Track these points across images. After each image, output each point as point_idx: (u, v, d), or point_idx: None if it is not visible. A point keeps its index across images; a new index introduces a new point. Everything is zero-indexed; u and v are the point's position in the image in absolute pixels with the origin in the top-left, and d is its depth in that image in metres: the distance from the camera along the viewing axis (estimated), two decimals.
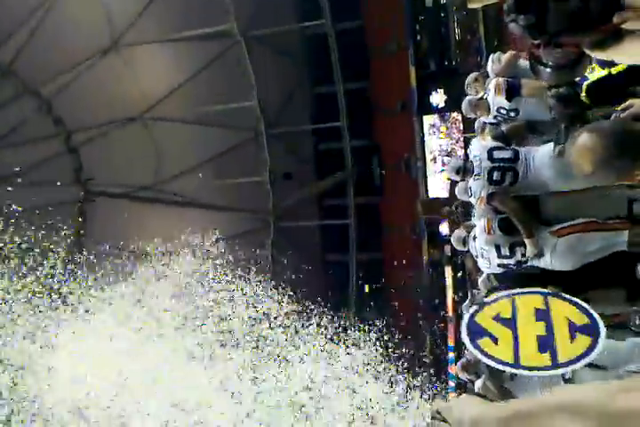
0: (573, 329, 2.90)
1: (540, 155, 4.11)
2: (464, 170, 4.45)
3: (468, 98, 5.32)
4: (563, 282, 3.80)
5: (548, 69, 3.68)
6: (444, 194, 14.19)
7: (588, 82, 4.36)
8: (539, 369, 2.75)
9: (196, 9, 13.71)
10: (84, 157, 13.22)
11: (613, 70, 4.20)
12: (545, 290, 3.55)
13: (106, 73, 13.23)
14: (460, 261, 13.05)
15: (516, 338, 2.88)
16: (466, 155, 4.65)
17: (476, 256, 4.24)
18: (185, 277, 10.37)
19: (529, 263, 3.95)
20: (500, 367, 2.86)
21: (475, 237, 4.11)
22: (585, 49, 1.36)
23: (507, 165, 4.18)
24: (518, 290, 3.58)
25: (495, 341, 3.21)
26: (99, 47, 13.40)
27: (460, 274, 13.86)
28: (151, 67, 14.03)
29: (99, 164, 12.88)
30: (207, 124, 14.33)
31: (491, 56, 5.12)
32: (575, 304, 3.17)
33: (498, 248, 3.93)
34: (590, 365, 3.63)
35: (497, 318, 3.38)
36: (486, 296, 4.48)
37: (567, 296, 3.24)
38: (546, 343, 2.82)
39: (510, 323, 2.98)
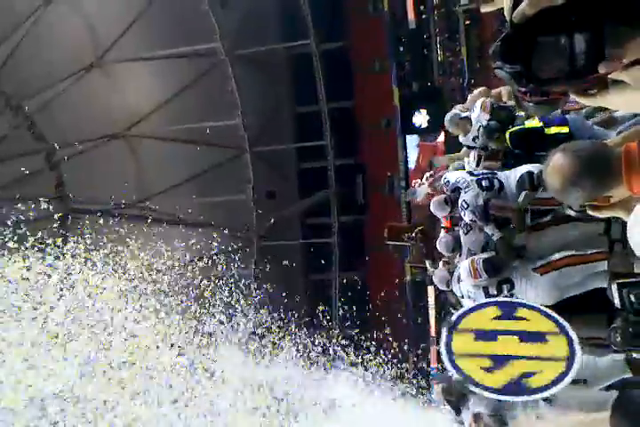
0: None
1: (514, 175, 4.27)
2: (451, 201, 4.49)
3: (451, 113, 5.37)
4: None
5: (532, 104, 3.79)
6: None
7: (516, 129, 4.51)
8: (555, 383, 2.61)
9: (182, 27, 13.81)
10: (66, 174, 13.11)
11: (552, 130, 4.36)
12: (495, 299, 3.52)
13: (89, 89, 13.21)
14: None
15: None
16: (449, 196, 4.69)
17: (461, 297, 4.25)
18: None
19: (513, 298, 3.99)
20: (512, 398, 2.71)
21: (460, 279, 4.12)
22: (572, 95, 1.39)
23: (490, 175, 4.31)
24: (469, 306, 3.51)
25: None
26: (82, 64, 13.39)
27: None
28: (135, 84, 14.03)
29: (81, 180, 12.76)
30: (191, 142, 14.32)
31: (477, 104, 5.13)
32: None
33: (486, 289, 3.97)
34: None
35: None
36: None
37: (516, 301, 3.18)
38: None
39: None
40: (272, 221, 14.99)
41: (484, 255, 4.08)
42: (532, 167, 4.12)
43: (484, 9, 1.69)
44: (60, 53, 12.75)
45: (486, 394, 3.22)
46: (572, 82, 1.30)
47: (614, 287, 2.58)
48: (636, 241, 1.50)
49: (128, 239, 11.21)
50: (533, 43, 1.24)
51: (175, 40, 13.89)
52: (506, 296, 3.96)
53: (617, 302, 2.59)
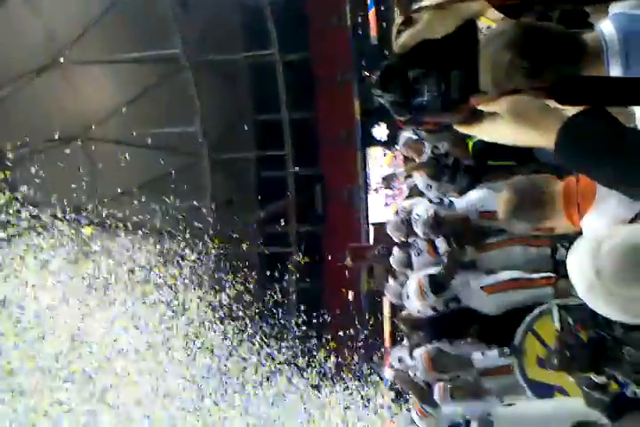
0: None
1: None
2: (407, 222, 4.58)
3: (404, 137, 5.46)
4: (488, 325, 3.96)
5: (424, 133, 3.97)
6: (385, 219, 14.39)
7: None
8: None
9: (143, 31, 13.65)
10: (16, 177, 12.71)
11: None
12: (546, 305, 3.54)
13: (44, 90, 12.90)
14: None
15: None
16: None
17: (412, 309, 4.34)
18: None
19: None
20: None
21: (408, 297, 4.20)
22: (454, 126, 1.48)
23: (441, 196, 4.56)
24: (528, 318, 3.55)
25: (565, 392, 3.16)
26: (37, 64, 13.07)
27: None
28: (93, 87, 13.77)
29: (31, 184, 12.40)
30: (148, 148, 14.11)
31: None
32: None
33: (434, 309, 4.09)
34: None
35: (542, 364, 3.29)
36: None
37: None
38: None
39: None
40: (230, 229, 14.87)
41: (431, 270, 4.16)
42: (475, 197, 4.25)
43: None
44: (14, 53, 12.42)
45: (520, 379, 3.31)
46: (445, 113, 1.35)
47: (554, 310, 2.64)
48: (572, 277, 1.56)
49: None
50: (412, 74, 1.28)
51: (136, 44, 13.71)
52: (452, 310, 4.07)
53: (557, 323, 2.65)
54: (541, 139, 1.41)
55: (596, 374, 2.25)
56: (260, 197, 16.03)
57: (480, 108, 1.35)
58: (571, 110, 1.37)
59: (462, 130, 1.45)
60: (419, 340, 4.59)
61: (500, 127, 1.40)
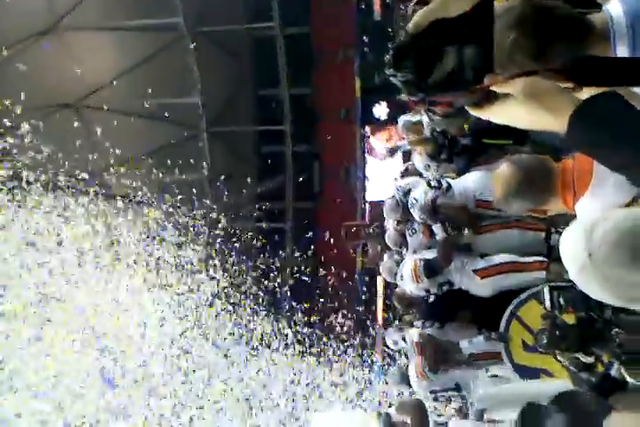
0: None
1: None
2: (403, 203, 4.61)
3: (402, 120, 5.44)
4: (480, 306, 4.01)
5: (438, 117, 3.87)
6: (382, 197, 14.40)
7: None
8: None
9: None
10: (13, 144, 12.61)
11: None
12: (528, 291, 3.59)
13: (42, 57, 12.72)
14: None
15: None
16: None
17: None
18: None
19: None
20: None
21: (402, 278, 4.22)
22: (467, 108, 1.44)
23: (439, 177, 4.56)
24: (512, 305, 3.59)
25: (550, 374, 3.22)
26: (35, 30, 12.86)
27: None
28: (91, 54, 13.56)
29: (27, 150, 12.33)
30: (146, 117, 13.99)
31: None
32: None
33: (428, 291, 4.12)
34: None
35: (528, 349, 3.33)
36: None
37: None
38: None
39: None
40: (227, 203, 14.84)
41: (428, 255, 4.18)
42: (473, 182, 4.24)
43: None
44: (11, 18, 12.20)
45: (507, 364, 3.37)
46: (457, 93, 1.33)
47: (546, 290, 2.66)
48: (565, 259, 1.57)
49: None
50: (425, 52, 1.26)
51: (135, 12, 13.49)
52: (443, 292, 4.11)
53: (547, 304, 2.67)
54: (555, 122, 1.39)
55: (584, 355, 2.29)
56: (257, 172, 15.98)
57: (493, 88, 1.32)
58: (582, 94, 1.36)
59: (475, 112, 1.41)
60: (411, 319, 4.66)
61: (514, 109, 1.37)
